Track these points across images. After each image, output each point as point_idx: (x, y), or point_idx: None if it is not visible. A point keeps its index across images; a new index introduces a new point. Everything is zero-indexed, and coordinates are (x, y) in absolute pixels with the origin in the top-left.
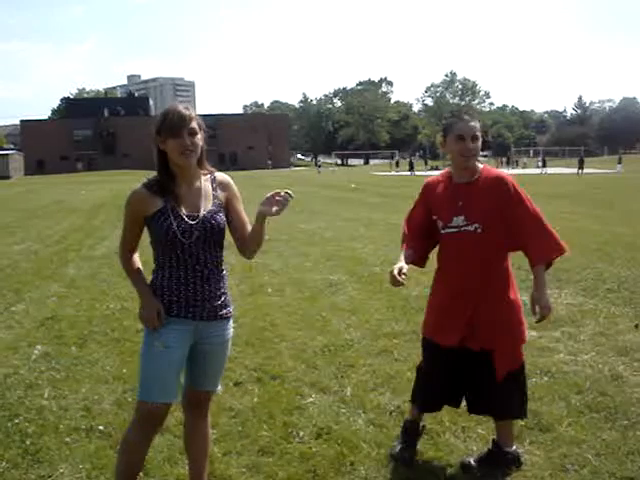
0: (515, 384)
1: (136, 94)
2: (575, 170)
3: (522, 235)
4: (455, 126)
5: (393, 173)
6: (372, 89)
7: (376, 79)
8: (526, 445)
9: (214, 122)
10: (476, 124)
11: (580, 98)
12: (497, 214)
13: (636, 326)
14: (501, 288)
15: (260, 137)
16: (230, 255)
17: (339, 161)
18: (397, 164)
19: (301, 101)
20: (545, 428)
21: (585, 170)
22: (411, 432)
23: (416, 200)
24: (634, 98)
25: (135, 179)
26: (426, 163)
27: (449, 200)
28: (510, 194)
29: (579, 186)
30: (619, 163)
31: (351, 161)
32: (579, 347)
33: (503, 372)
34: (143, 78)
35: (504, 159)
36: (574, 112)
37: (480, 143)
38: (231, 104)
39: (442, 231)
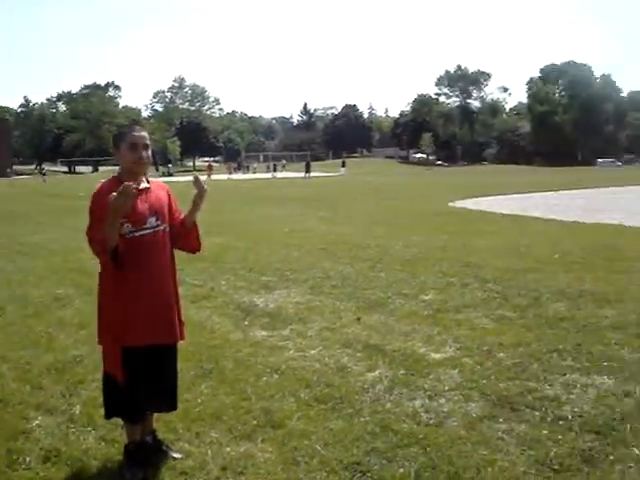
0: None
1: None
2: (302, 174)
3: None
4: (128, 135)
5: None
6: (99, 93)
7: (102, 83)
8: (259, 443)
9: None
10: (146, 134)
11: (305, 105)
12: (170, 214)
13: (358, 319)
14: (174, 281)
15: None
16: None
17: (66, 168)
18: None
19: (22, 105)
20: (276, 424)
21: (312, 174)
22: (141, 454)
23: (95, 215)
24: (354, 105)
25: None
26: (157, 169)
27: (135, 204)
28: (172, 197)
29: (306, 189)
30: (343, 166)
31: (79, 168)
32: (307, 343)
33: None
34: None
35: (235, 164)
36: (300, 118)
37: (150, 152)
38: None
39: (134, 234)
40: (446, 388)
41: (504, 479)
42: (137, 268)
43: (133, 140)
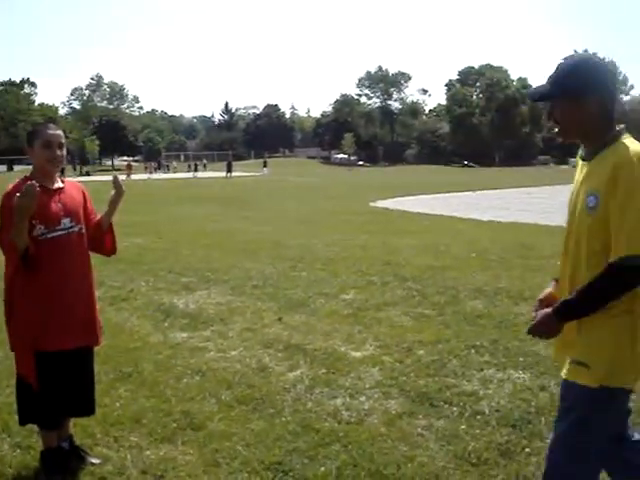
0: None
1: None
2: (224, 174)
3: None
4: (42, 133)
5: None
6: (13, 90)
7: (17, 79)
8: (179, 446)
9: None
10: (61, 133)
11: (227, 104)
12: (85, 215)
13: (279, 319)
14: (91, 283)
15: None
16: None
17: None
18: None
19: None
20: (197, 426)
21: (234, 173)
22: (58, 460)
23: (5, 216)
24: (276, 105)
25: None
26: (75, 169)
27: (48, 204)
28: (87, 197)
29: (227, 189)
30: (265, 166)
31: None
32: (228, 344)
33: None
34: None
35: (155, 164)
36: (222, 118)
37: (65, 151)
38: None
39: (47, 236)
40: (366, 386)
41: (424, 474)
42: (51, 270)
43: (47, 138)
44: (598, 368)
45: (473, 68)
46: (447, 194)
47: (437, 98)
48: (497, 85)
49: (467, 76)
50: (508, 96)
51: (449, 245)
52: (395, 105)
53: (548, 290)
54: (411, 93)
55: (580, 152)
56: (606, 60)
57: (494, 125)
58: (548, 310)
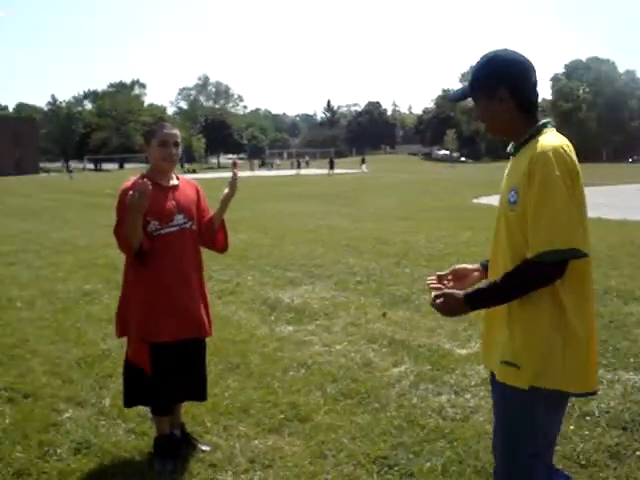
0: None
1: None
2: (326, 170)
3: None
4: (158, 132)
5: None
6: (124, 91)
7: (128, 81)
8: (286, 437)
9: None
10: (177, 132)
11: (329, 102)
12: (198, 211)
13: (383, 314)
14: (202, 277)
15: (4, 142)
16: None
17: (92, 166)
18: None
19: (49, 103)
20: (303, 418)
21: (335, 170)
22: (170, 447)
23: (121, 212)
24: (378, 102)
25: None
26: (182, 166)
27: (163, 201)
28: (201, 194)
29: (330, 186)
30: (363, 163)
31: (105, 166)
32: (333, 338)
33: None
34: None
35: (259, 161)
36: (324, 115)
37: (180, 149)
38: None
39: (160, 232)
40: (472, 383)
41: None
42: (164, 265)
43: (164, 137)
44: (527, 368)
45: (580, 61)
46: None
47: (542, 92)
48: (605, 79)
49: (573, 70)
50: (616, 90)
51: None
52: None
53: (465, 266)
54: None
55: (509, 147)
56: (523, 55)
57: (601, 120)
58: (459, 293)
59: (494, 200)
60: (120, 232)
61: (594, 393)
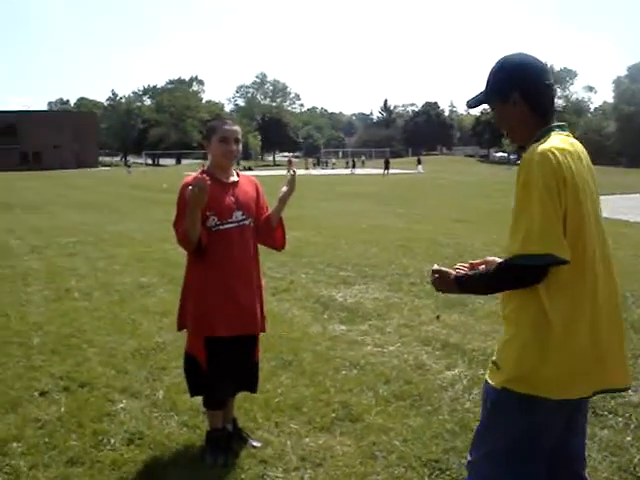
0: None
1: None
2: (381, 170)
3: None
4: (219, 129)
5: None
6: (183, 88)
7: (187, 77)
8: (337, 436)
9: (15, 119)
10: (238, 128)
11: (386, 102)
12: (256, 208)
13: (437, 317)
14: (259, 274)
15: (66, 136)
16: (32, 259)
17: (150, 161)
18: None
19: (109, 98)
20: (355, 418)
21: (390, 170)
22: (222, 441)
23: (180, 206)
24: (435, 103)
25: None
26: (238, 163)
27: (222, 197)
28: (260, 191)
29: (384, 186)
30: (419, 164)
31: (163, 161)
32: (386, 339)
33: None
34: None
35: (313, 160)
36: (380, 115)
37: (241, 146)
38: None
39: (219, 227)
40: None
41: None
42: (222, 260)
43: (225, 134)
44: (504, 369)
45: None
46: (611, 195)
47: (603, 95)
48: None
49: (637, 72)
50: None
51: (614, 249)
52: (559, 102)
53: (495, 258)
54: (576, 90)
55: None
56: (536, 59)
57: None
58: (452, 273)
59: None
60: (179, 226)
61: (592, 396)
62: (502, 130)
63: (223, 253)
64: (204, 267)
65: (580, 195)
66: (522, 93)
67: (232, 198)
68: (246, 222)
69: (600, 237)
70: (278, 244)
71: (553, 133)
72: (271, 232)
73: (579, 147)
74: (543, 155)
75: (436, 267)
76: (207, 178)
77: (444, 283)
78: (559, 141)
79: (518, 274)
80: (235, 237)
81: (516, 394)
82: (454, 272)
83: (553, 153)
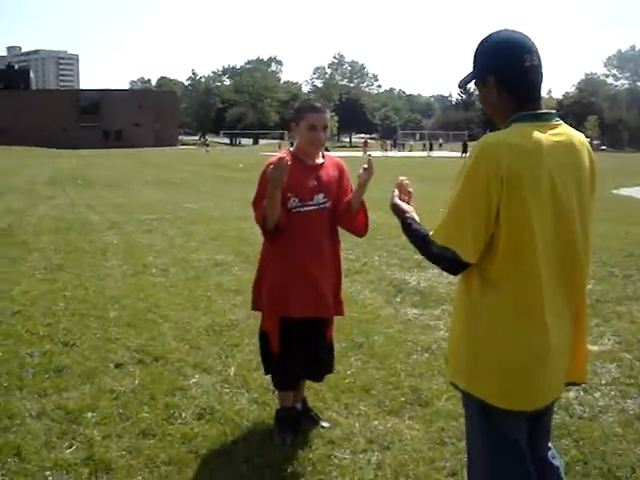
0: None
1: (16, 67)
2: (459, 154)
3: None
4: (309, 116)
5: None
6: (261, 68)
7: (265, 58)
8: (406, 420)
9: (99, 97)
10: (327, 115)
11: None
12: (339, 191)
13: None
14: (338, 257)
15: (147, 114)
16: (111, 235)
17: (228, 140)
18: (292, 145)
19: (189, 78)
20: (424, 403)
21: (468, 154)
22: (290, 420)
23: (261, 186)
24: None
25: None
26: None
27: (305, 179)
28: (345, 173)
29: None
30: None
31: (240, 141)
32: None
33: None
34: (24, 50)
35: (390, 142)
36: (459, 97)
37: (328, 132)
38: (117, 79)
39: (300, 209)
40: (602, 382)
41: None
42: (301, 242)
43: (314, 121)
44: (451, 364)
45: None
46: None
47: None
48: None
49: None
50: None
51: None
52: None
53: None
54: None
55: None
56: (518, 37)
57: None
58: (409, 212)
59: (636, 192)
60: (258, 206)
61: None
62: (487, 113)
63: (302, 234)
64: (283, 248)
65: (530, 195)
66: (496, 76)
67: (314, 181)
68: (327, 205)
69: (573, 240)
70: (360, 230)
71: (516, 124)
72: (352, 218)
73: (553, 142)
74: (483, 149)
75: (396, 200)
76: (288, 159)
77: (396, 211)
78: (516, 134)
79: (431, 257)
80: (315, 219)
81: (473, 397)
82: (406, 213)
83: (497, 148)
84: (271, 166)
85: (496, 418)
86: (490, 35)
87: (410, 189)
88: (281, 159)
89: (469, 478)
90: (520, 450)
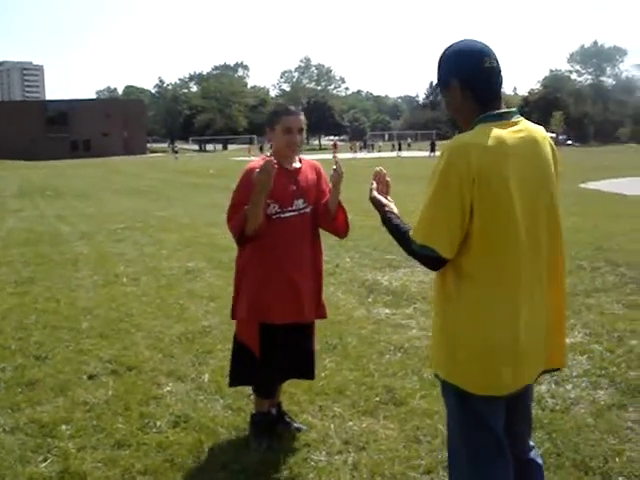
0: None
1: None
2: (427, 153)
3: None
4: (284, 119)
5: (252, 158)
6: (228, 73)
7: (232, 63)
8: (381, 420)
9: (66, 108)
10: (302, 118)
11: (431, 83)
12: (318, 194)
13: None
14: (319, 263)
15: (115, 123)
16: (82, 245)
17: (197, 147)
18: (261, 149)
19: (157, 86)
20: (399, 402)
21: (436, 153)
22: (266, 424)
23: (239, 192)
24: None
25: None
26: None
27: (284, 184)
28: (322, 176)
29: (430, 168)
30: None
31: (209, 147)
32: (430, 322)
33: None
34: None
35: (360, 143)
36: (426, 97)
37: (304, 135)
38: (83, 89)
39: (280, 215)
40: (574, 374)
41: (633, 470)
42: (281, 249)
43: (289, 124)
44: (431, 354)
45: None
46: None
47: None
48: None
49: None
50: None
51: None
52: (609, 82)
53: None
54: (626, 69)
55: None
56: (477, 43)
57: None
58: (388, 205)
59: (602, 185)
60: (236, 211)
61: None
62: (452, 116)
63: (282, 241)
64: (263, 254)
65: (500, 191)
66: (460, 80)
67: (294, 186)
68: (307, 210)
69: (544, 232)
70: (340, 231)
71: (480, 125)
72: (332, 219)
73: (517, 139)
74: (453, 151)
75: (374, 194)
76: (274, 161)
77: (376, 205)
78: (482, 134)
79: (412, 254)
80: (295, 226)
81: (451, 385)
82: (385, 207)
83: (466, 149)
84: (256, 170)
85: (472, 404)
86: (451, 44)
87: (388, 178)
88: (268, 161)
89: (450, 466)
90: (498, 438)
